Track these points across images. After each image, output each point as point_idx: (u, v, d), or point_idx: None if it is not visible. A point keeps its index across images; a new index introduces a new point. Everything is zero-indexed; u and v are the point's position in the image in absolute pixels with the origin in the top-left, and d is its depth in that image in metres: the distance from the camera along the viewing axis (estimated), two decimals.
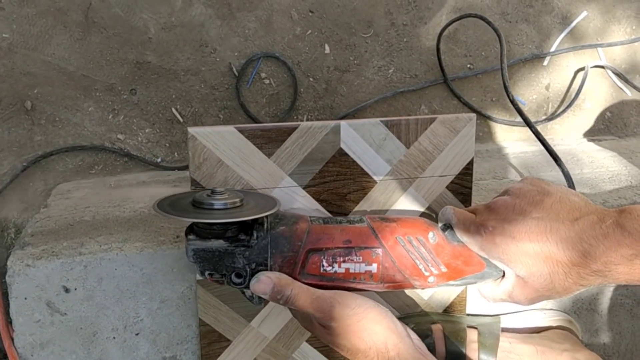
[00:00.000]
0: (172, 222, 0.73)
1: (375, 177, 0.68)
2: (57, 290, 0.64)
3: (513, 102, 0.79)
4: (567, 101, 1.15)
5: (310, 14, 1.02)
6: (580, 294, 0.80)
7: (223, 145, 0.63)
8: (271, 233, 0.55)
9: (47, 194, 0.93)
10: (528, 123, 0.78)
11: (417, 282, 0.57)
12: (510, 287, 0.57)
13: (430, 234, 0.58)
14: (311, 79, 1.04)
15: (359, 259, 0.55)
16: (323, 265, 0.55)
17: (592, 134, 1.18)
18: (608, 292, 0.81)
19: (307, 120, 1.05)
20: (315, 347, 0.71)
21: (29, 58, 0.93)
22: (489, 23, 0.86)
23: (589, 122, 1.18)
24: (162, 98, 0.99)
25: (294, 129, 0.65)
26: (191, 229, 0.55)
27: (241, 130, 0.63)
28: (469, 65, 1.10)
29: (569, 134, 1.16)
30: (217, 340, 0.67)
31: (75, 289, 0.64)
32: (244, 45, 1.00)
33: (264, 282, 0.53)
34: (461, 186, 0.71)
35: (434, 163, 0.70)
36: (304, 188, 0.66)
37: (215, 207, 0.54)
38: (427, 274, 0.57)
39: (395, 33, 1.06)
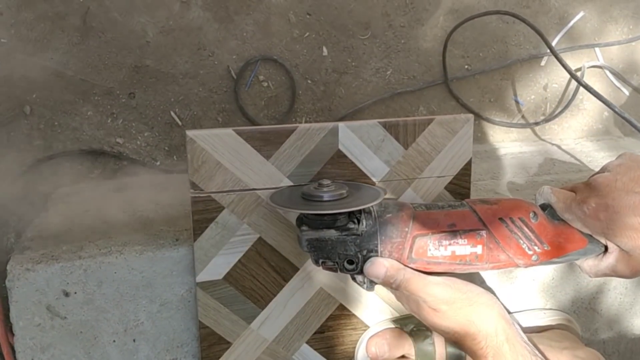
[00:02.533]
0: (170, 226, 0.73)
1: (373, 179, 0.68)
2: (57, 294, 0.64)
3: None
4: (565, 101, 1.15)
5: (308, 16, 1.02)
6: (580, 292, 0.80)
7: (221, 148, 0.63)
8: (379, 221, 0.57)
9: (47, 198, 0.93)
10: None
11: (521, 261, 0.59)
12: (614, 261, 0.59)
13: (532, 214, 0.59)
14: (309, 81, 1.04)
15: (464, 241, 0.57)
16: (430, 249, 0.57)
17: (590, 134, 1.18)
18: (607, 291, 0.82)
19: (306, 122, 1.05)
20: (315, 349, 0.71)
21: (28, 63, 0.93)
22: (523, 20, 0.90)
23: (587, 122, 1.18)
24: (160, 101, 0.99)
25: (292, 131, 0.65)
26: (302, 220, 0.59)
27: (239, 133, 0.63)
28: (466, 67, 1.10)
29: (567, 134, 1.16)
30: (217, 343, 0.67)
31: (75, 293, 0.64)
32: (242, 48, 1.00)
33: (378, 266, 0.56)
34: (459, 187, 0.71)
35: (432, 164, 0.70)
36: None
37: (325, 199, 0.58)
38: (530, 252, 0.59)
39: (392, 35, 1.06)
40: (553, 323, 0.76)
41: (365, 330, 0.72)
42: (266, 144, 0.64)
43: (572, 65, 1.16)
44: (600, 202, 0.57)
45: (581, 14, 1.13)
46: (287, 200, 0.60)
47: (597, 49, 1.15)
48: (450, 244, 0.57)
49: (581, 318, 0.81)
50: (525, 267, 0.60)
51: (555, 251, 0.60)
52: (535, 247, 0.59)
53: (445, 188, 0.71)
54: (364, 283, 0.58)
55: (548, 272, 0.78)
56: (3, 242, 0.96)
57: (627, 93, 1.19)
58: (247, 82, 1.01)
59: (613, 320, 0.83)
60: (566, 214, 0.60)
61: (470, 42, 1.09)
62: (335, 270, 0.58)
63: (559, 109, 1.14)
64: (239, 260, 0.66)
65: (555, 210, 0.61)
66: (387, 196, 0.67)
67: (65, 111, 0.96)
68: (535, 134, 1.16)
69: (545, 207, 0.62)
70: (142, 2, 0.95)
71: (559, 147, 1.09)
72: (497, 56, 1.11)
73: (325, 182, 0.60)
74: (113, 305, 0.66)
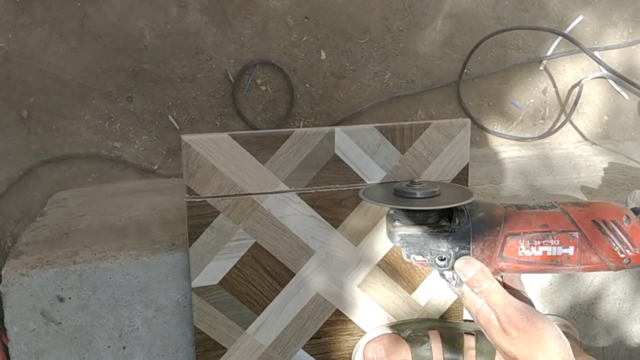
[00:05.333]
0: (167, 231, 0.73)
1: (370, 183, 0.68)
2: (52, 300, 0.64)
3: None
4: (567, 107, 1.15)
5: (306, 20, 1.02)
6: (578, 298, 0.80)
7: (217, 153, 0.63)
8: (472, 219, 0.58)
9: (44, 203, 0.93)
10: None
11: (612, 263, 0.59)
12: None
13: (624, 217, 0.59)
14: (307, 85, 1.04)
15: (556, 242, 0.58)
16: (521, 249, 0.57)
17: (590, 138, 1.18)
18: (606, 297, 0.81)
19: (304, 126, 1.05)
20: (311, 355, 0.70)
21: (25, 67, 0.93)
22: (572, 40, 0.91)
23: (586, 126, 1.18)
24: (158, 105, 0.99)
25: (288, 135, 0.65)
26: (393, 216, 0.60)
27: (235, 137, 0.63)
28: (465, 71, 1.10)
29: (566, 138, 1.16)
30: (212, 348, 0.67)
31: (70, 298, 0.64)
32: (239, 52, 1.00)
33: (472, 264, 0.57)
34: None
35: (429, 168, 0.69)
36: (298, 194, 0.66)
37: (418, 195, 0.60)
38: (622, 255, 0.59)
39: (391, 39, 1.06)
40: None
41: (361, 335, 0.72)
42: (262, 149, 0.64)
43: (571, 69, 1.15)
44: None
45: (580, 17, 1.13)
46: (380, 196, 0.62)
47: (596, 52, 1.15)
48: (541, 244, 0.58)
49: (580, 324, 0.80)
50: (616, 270, 0.60)
51: None
52: (628, 250, 0.58)
53: None
54: (453, 280, 0.59)
55: (546, 277, 0.78)
56: (0, 246, 0.96)
57: (627, 97, 1.18)
58: (245, 86, 1.01)
59: (612, 326, 0.82)
60: None
61: (469, 45, 1.09)
62: (426, 266, 0.60)
63: (559, 122, 1.14)
64: (235, 266, 0.66)
65: None
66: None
67: (63, 115, 0.96)
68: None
69: (637, 211, 0.62)
70: (140, 7, 0.95)
71: (558, 150, 1.09)
72: (496, 60, 1.11)
73: (417, 179, 0.62)
74: (108, 310, 0.66)
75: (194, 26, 0.98)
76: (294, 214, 0.66)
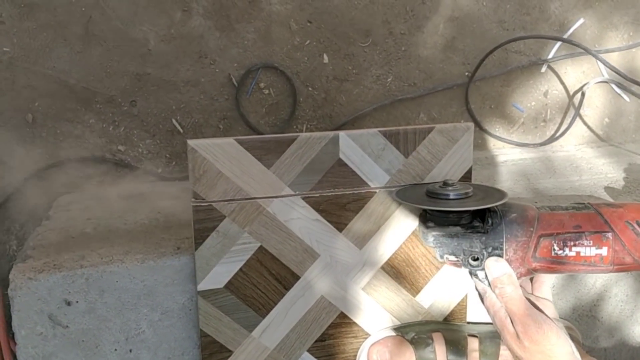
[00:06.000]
0: (172, 234, 0.74)
1: (374, 187, 0.68)
2: (59, 303, 0.64)
3: None
4: (570, 112, 1.15)
5: (309, 24, 1.03)
6: (581, 300, 0.80)
7: (222, 157, 0.63)
8: (505, 220, 0.59)
9: (49, 206, 0.94)
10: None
11: None
12: None
13: None
14: (310, 89, 1.05)
15: (589, 242, 0.58)
16: (554, 249, 0.58)
17: (591, 140, 1.18)
18: (608, 299, 0.82)
19: (307, 129, 1.06)
20: (316, 357, 0.71)
21: (30, 71, 0.93)
22: (584, 48, 0.96)
23: (587, 129, 1.18)
24: (162, 109, 0.99)
25: (292, 140, 0.65)
26: (426, 217, 0.62)
27: (240, 142, 0.64)
28: (467, 73, 1.10)
29: (567, 140, 1.16)
30: (218, 351, 0.67)
31: (77, 302, 0.65)
32: (243, 56, 1.01)
33: (501, 264, 0.58)
34: None
35: (433, 172, 0.70)
36: (303, 198, 0.67)
37: (451, 197, 0.61)
38: None
39: (393, 42, 1.07)
40: None
41: (366, 338, 0.72)
42: (267, 153, 0.65)
43: (572, 72, 1.16)
44: None
45: (581, 20, 1.14)
46: (413, 197, 0.63)
47: (591, 54, 1.15)
48: (575, 245, 0.58)
49: (582, 325, 0.81)
50: None
51: None
52: None
53: None
54: (486, 279, 0.59)
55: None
56: (5, 249, 0.96)
57: (627, 99, 1.19)
58: (248, 89, 1.02)
59: (614, 328, 0.83)
60: None
61: (471, 49, 1.10)
62: (459, 266, 0.61)
63: (563, 127, 1.14)
64: (240, 269, 0.66)
65: None
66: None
67: (68, 119, 0.96)
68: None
69: None
70: (144, 11, 0.96)
71: (560, 153, 1.09)
72: (497, 63, 1.11)
73: (450, 181, 0.62)
74: (114, 313, 0.66)
75: (198, 30, 0.98)
76: (299, 218, 0.67)
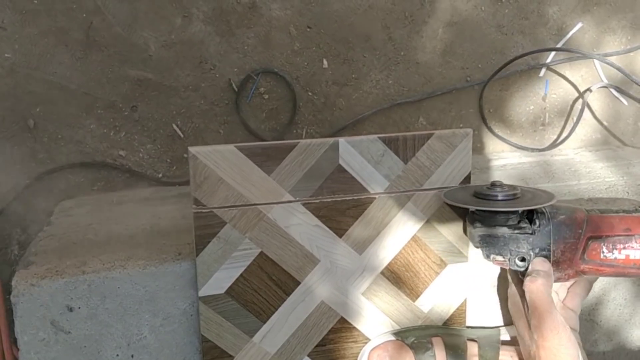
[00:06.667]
0: (173, 240, 0.74)
1: (373, 193, 0.69)
2: (61, 309, 0.64)
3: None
4: (571, 115, 1.16)
5: (309, 29, 1.03)
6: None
7: (223, 164, 0.64)
8: (553, 221, 0.58)
9: (50, 211, 0.94)
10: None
11: None
12: None
13: None
14: (310, 93, 1.05)
15: (639, 245, 0.58)
16: (603, 252, 0.58)
17: (589, 144, 1.19)
18: (607, 302, 0.82)
19: (307, 133, 1.06)
20: None
21: (31, 77, 0.94)
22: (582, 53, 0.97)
23: (585, 132, 1.19)
24: (162, 114, 1.00)
25: (293, 146, 0.66)
26: (474, 218, 0.62)
27: (241, 149, 0.64)
28: (467, 78, 1.11)
29: (566, 144, 1.17)
30: (219, 356, 0.68)
31: (79, 308, 0.65)
32: (243, 61, 1.01)
33: (545, 263, 0.58)
34: None
35: (432, 178, 0.70)
36: (303, 204, 0.67)
37: (499, 198, 0.61)
38: None
39: (392, 47, 1.07)
40: None
41: (366, 342, 0.72)
42: (267, 160, 0.65)
43: (571, 76, 1.16)
44: None
45: (579, 25, 1.14)
46: (460, 198, 0.64)
47: (595, 60, 1.16)
48: (624, 248, 0.58)
49: (581, 329, 0.81)
50: None
51: None
52: None
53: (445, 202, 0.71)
54: (523, 271, 0.59)
55: None
56: (7, 254, 0.97)
57: (626, 103, 1.19)
58: (248, 94, 1.02)
59: (612, 332, 0.83)
60: None
61: (470, 53, 1.10)
62: (505, 266, 0.61)
63: (565, 134, 1.15)
64: (241, 275, 0.67)
65: None
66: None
67: (69, 124, 0.97)
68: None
69: None
70: (144, 17, 0.96)
71: (558, 157, 1.10)
72: (496, 67, 1.12)
73: (498, 182, 0.63)
74: (116, 319, 0.66)
75: (198, 36, 0.99)
76: (299, 224, 0.67)
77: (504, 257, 0.60)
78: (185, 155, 1.01)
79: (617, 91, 1.18)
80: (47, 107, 0.95)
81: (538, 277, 0.58)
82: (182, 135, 1.01)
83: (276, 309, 0.69)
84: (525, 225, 0.60)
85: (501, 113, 1.14)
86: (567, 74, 1.16)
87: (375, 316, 0.72)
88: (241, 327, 0.68)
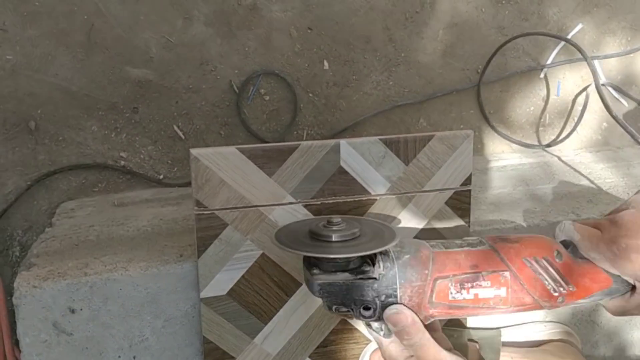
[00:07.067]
0: (174, 241, 0.74)
1: (375, 194, 0.69)
2: (63, 311, 0.65)
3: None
4: (568, 115, 1.16)
5: (309, 31, 1.03)
6: (580, 305, 0.81)
7: (225, 166, 0.64)
8: (398, 263, 0.52)
9: (52, 213, 0.95)
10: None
11: (547, 303, 0.55)
12: None
13: (556, 253, 0.55)
14: (311, 95, 1.05)
15: (487, 283, 0.53)
16: (451, 293, 0.53)
17: (590, 145, 1.19)
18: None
19: (308, 134, 1.06)
20: None
21: (33, 79, 0.94)
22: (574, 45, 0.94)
23: (586, 133, 1.19)
24: (163, 116, 1.00)
25: (294, 148, 0.66)
26: (311, 262, 0.54)
27: (242, 151, 0.64)
28: (468, 79, 1.11)
29: (566, 145, 1.17)
30: (221, 358, 0.68)
31: (81, 310, 0.65)
32: (244, 63, 1.01)
33: (403, 315, 0.52)
34: (460, 201, 0.72)
35: (433, 179, 0.71)
36: (305, 206, 0.67)
37: (334, 239, 0.54)
38: (556, 294, 0.55)
39: (393, 48, 1.07)
40: (554, 337, 0.77)
41: (367, 344, 0.73)
42: (269, 162, 0.65)
43: (570, 77, 1.17)
44: (631, 243, 0.53)
45: (579, 26, 1.14)
46: (294, 239, 0.56)
47: (595, 61, 1.16)
48: (472, 287, 0.53)
49: (581, 331, 0.81)
50: (550, 309, 0.57)
51: (581, 292, 0.56)
52: (561, 289, 0.55)
53: (446, 203, 0.72)
54: (381, 330, 0.54)
55: None
56: (8, 256, 0.97)
57: (625, 104, 1.19)
58: (249, 96, 1.02)
59: (613, 333, 0.83)
60: (592, 253, 0.56)
61: (470, 54, 1.10)
62: (350, 317, 0.55)
63: (566, 132, 1.15)
64: (243, 276, 0.67)
65: (578, 249, 0.57)
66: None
67: (70, 126, 0.97)
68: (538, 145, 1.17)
69: (567, 244, 0.58)
70: (145, 19, 0.96)
71: (558, 158, 1.10)
72: (496, 68, 1.12)
73: (336, 219, 0.55)
74: (118, 321, 0.67)
75: (199, 38, 0.99)
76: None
77: (347, 308, 0.52)
78: (186, 157, 1.01)
79: (617, 92, 1.18)
80: (49, 109, 0.95)
81: (411, 336, 0.51)
82: (183, 137, 1.01)
83: (277, 310, 0.69)
84: (368, 269, 0.52)
85: (501, 114, 1.14)
86: (568, 74, 1.16)
87: None
88: (243, 328, 0.68)
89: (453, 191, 0.72)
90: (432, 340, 0.52)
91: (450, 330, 0.74)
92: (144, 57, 0.97)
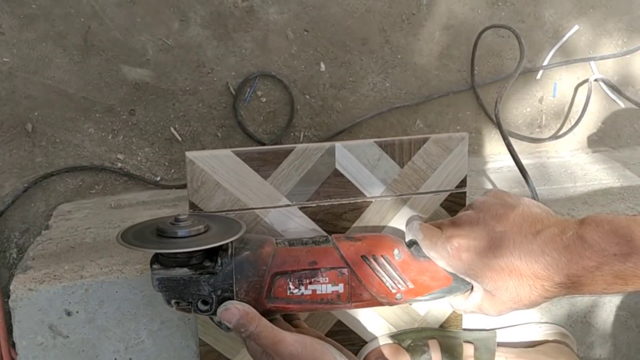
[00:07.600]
0: None
1: (370, 197, 0.69)
2: (60, 314, 0.65)
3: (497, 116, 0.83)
4: (568, 117, 1.16)
5: (306, 33, 1.04)
6: (575, 306, 0.81)
7: (220, 169, 0.64)
8: (235, 259, 0.55)
9: (48, 215, 0.95)
10: (504, 136, 0.82)
11: (384, 299, 0.58)
12: (479, 300, 0.58)
13: (395, 251, 0.58)
14: (307, 97, 1.06)
15: (325, 279, 0.56)
16: (290, 288, 0.56)
17: (586, 146, 1.19)
18: (603, 305, 0.82)
19: (304, 136, 1.07)
20: None
21: (30, 81, 0.94)
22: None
23: (582, 134, 1.19)
24: (160, 118, 1.00)
25: (289, 151, 0.66)
26: (156, 258, 0.55)
27: (238, 154, 0.65)
28: (464, 81, 1.11)
29: (562, 146, 1.17)
30: None
31: (77, 312, 0.65)
32: (240, 65, 1.02)
33: (231, 311, 0.53)
34: (455, 203, 0.72)
35: (428, 181, 0.71)
36: (300, 208, 0.67)
37: (179, 235, 0.54)
38: (394, 291, 0.58)
39: (389, 50, 1.08)
40: (549, 337, 0.77)
41: (363, 346, 0.73)
42: (264, 164, 0.65)
43: (568, 78, 1.17)
44: (462, 242, 0.55)
45: (576, 27, 1.15)
46: (140, 236, 0.55)
47: (592, 62, 1.17)
48: (310, 283, 0.56)
49: (577, 332, 0.82)
50: (390, 305, 0.59)
51: (420, 289, 0.59)
52: (399, 286, 0.58)
53: (441, 205, 0.72)
54: (222, 325, 0.54)
55: None
56: (5, 258, 0.97)
57: (622, 105, 1.20)
58: (245, 98, 1.03)
59: (608, 334, 0.84)
60: (431, 252, 0.58)
61: (466, 56, 1.11)
62: (189, 312, 0.55)
63: (566, 128, 1.15)
64: None
65: (421, 247, 0.59)
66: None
67: (67, 128, 0.97)
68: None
69: (412, 243, 0.61)
70: (142, 21, 0.96)
71: (554, 159, 1.10)
72: (492, 70, 1.13)
73: (182, 216, 0.56)
74: (114, 323, 0.67)
75: (196, 40, 0.99)
76: (296, 228, 0.68)
77: (186, 302, 0.54)
78: (183, 159, 1.01)
79: (614, 92, 1.18)
80: (46, 111, 0.96)
81: (246, 327, 0.52)
82: (180, 139, 1.02)
83: None
84: (208, 264, 0.54)
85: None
86: (564, 76, 1.17)
87: (372, 319, 0.72)
88: None
89: (448, 193, 0.72)
90: (269, 324, 0.53)
91: (445, 332, 0.75)
92: (141, 59, 0.98)
